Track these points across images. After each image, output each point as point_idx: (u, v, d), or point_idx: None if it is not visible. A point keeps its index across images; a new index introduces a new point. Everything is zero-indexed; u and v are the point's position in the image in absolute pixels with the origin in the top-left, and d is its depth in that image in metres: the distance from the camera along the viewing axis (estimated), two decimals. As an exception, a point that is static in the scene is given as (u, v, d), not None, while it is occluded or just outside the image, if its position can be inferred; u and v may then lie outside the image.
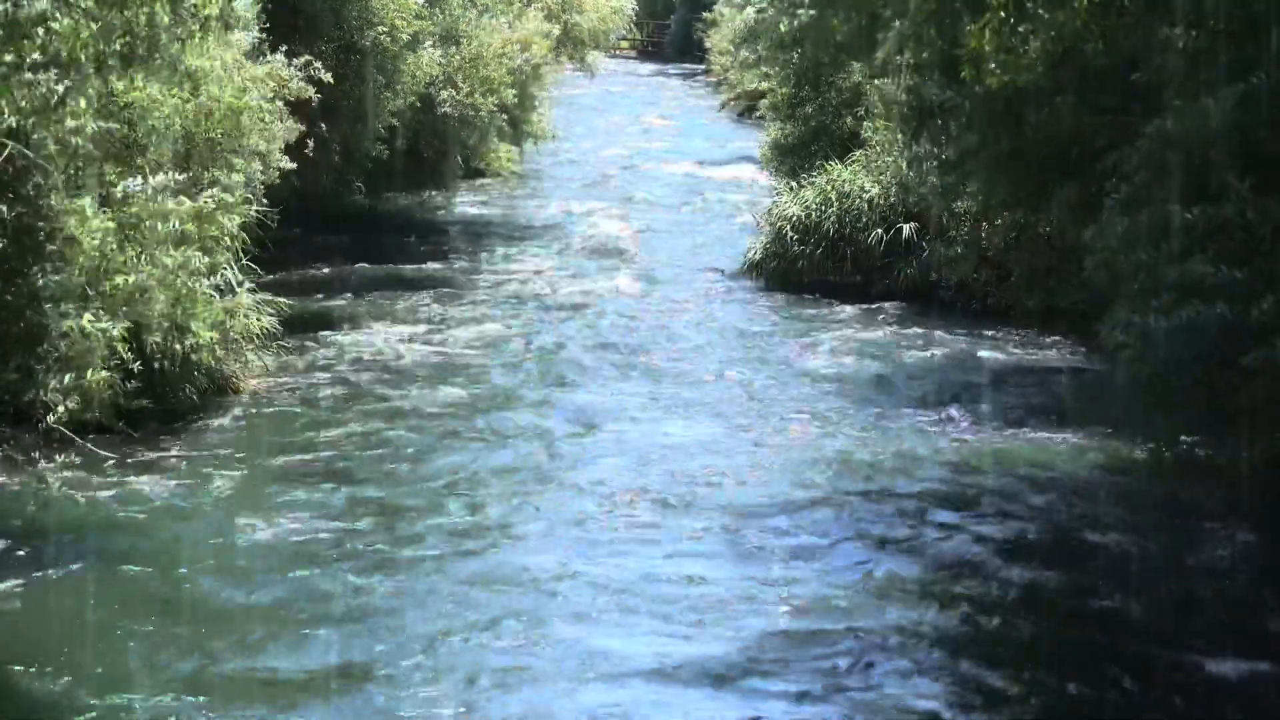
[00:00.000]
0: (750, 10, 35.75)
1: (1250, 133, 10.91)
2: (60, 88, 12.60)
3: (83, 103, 12.63)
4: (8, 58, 11.42)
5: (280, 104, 19.04)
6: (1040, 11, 13.15)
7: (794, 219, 25.37)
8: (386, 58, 24.55)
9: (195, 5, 12.25)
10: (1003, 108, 14.99)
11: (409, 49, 25.17)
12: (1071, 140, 14.52)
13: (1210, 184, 11.16)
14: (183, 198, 15.88)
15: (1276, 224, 10.79)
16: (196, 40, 13.01)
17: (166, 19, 11.81)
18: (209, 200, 16.26)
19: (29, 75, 11.51)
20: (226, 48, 17.63)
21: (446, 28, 28.26)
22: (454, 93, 28.05)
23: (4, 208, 14.22)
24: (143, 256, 15.38)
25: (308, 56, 20.02)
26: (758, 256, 26.21)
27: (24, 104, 12.02)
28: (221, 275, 17.22)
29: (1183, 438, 12.42)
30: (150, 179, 15.50)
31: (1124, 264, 11.52)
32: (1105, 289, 12.39)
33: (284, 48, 19.82)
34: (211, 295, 16.59)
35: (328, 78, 20.27)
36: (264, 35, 19.85)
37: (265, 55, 19.45)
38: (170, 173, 15.78)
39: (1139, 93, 12.94)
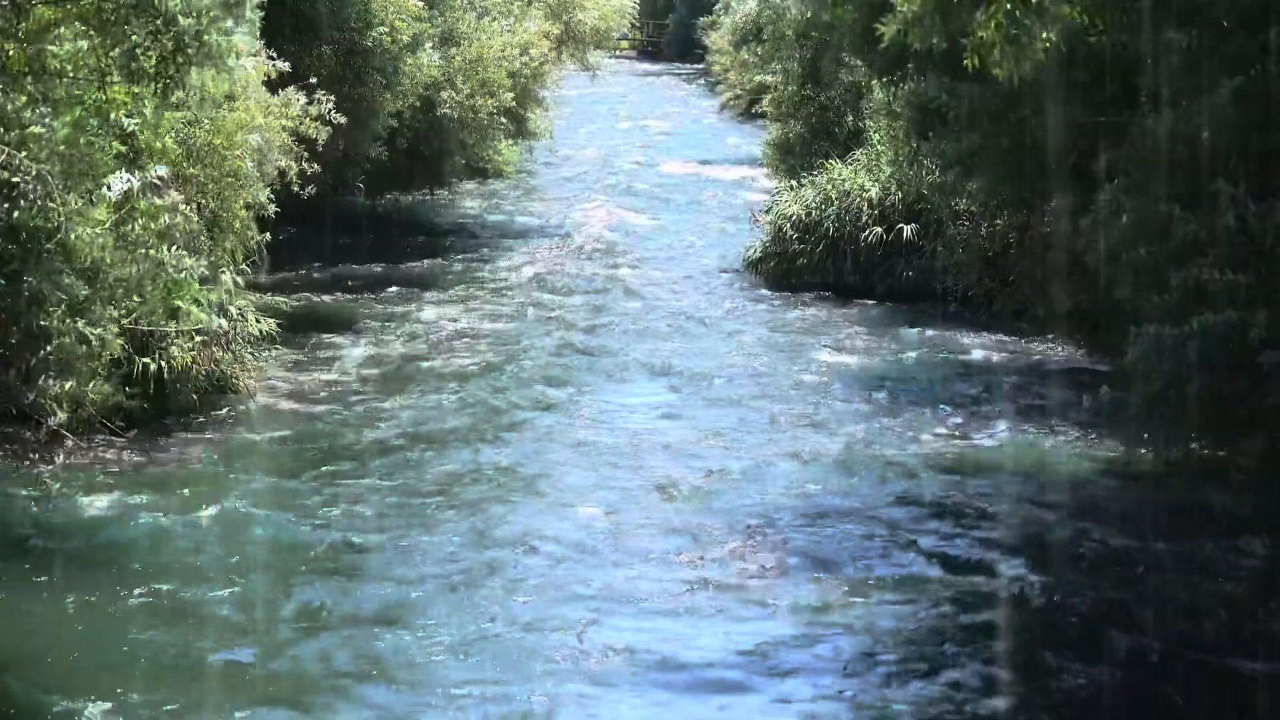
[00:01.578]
0: (752, 2, 35.75)
1: (1248, 131, 10.90)
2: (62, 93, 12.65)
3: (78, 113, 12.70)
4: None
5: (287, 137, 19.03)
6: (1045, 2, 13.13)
7: (794, 218, 25.38)
8: (387, 59, 24.53)
9: (198, 34, 12.19)
10: (1004, 105, 14.96)
11: (409, 50, 25.16)
12: (1071, 140, 14.50)
13: (1207, 184, 11.15)
14: (173, 194, 15.92)
15: (1278, 228, 10.79)
16: (198, 70, 12.99)
17: (170, 44, 11.78)
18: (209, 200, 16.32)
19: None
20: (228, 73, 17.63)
21: (447, 29, 28.26)
22: (454, 94, 28.05)
23: (3, 210, 14.22)
24: (136, 253, 15.42)
25: (320, 94, 19.87)
26: (758, 255, 26.22)
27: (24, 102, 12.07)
28: (221, 274, 17.23)
29: (1191, 441, 12.41)
30: (145, 175, 15.51)
31: (1123, 261, 11.51)
32: (1105, 286, 12.39)
33: (303, 85, 19.75)
34: (198, 281, 16.64)
35: (341, 120, 20.17)
36: (263, 40, 19.79)
37: (267, 58, 19.42)
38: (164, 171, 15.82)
39: (1140, 93, 12.93)
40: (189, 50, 11.44)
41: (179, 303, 16.00)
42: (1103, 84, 14.00)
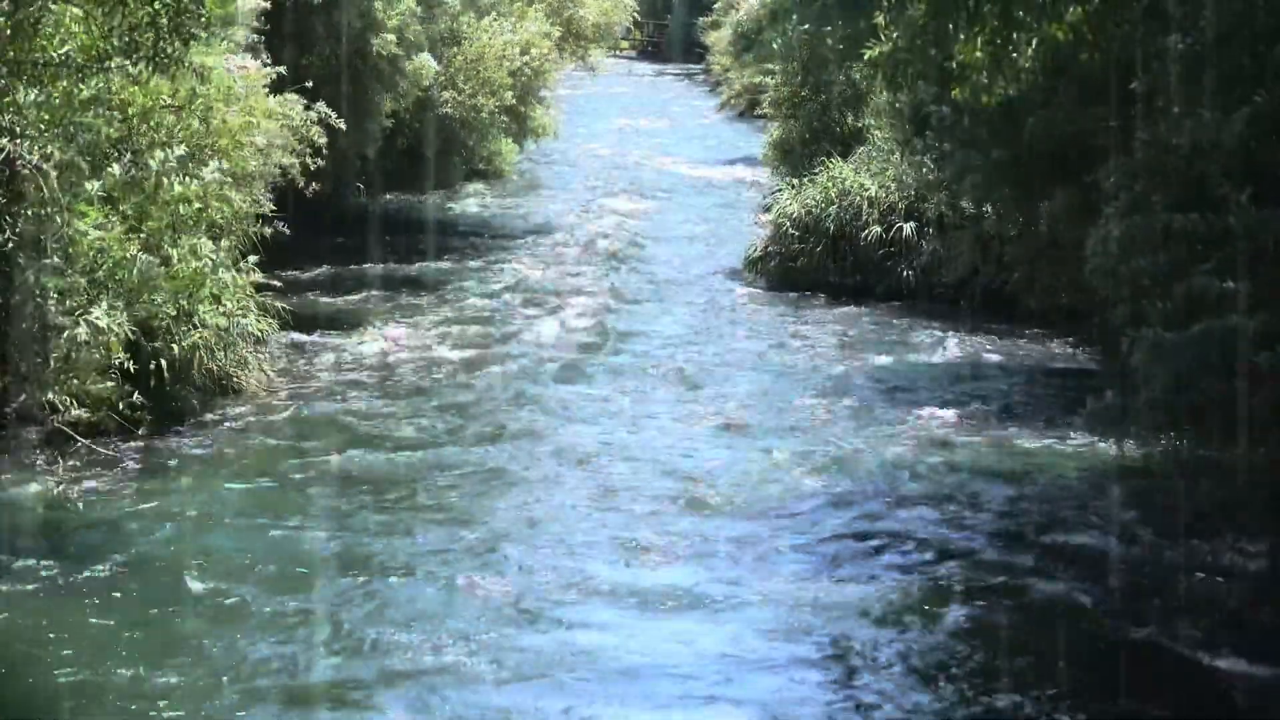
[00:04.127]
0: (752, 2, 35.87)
1: (1253, 144, 10.94)
2: (63, 84, 12.64)
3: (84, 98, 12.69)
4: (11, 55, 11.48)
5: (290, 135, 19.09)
6: (1030, 20, 13.17)
7: (795, 217, 25.43)
8: (388, 60, 24.58)
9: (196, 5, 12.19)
10: (998, 116, 14.99)
11: (410, 51, 25.21)
12: (1067, 148, 14.52)
13: (1210, 193, 11.18)
14: (189, 178, 15.96)
15: (1278, 235, 10.84)
16: (202, 41, 13.02)
17: (165, 19, 11.80)
18: (216, 175, 16.38)
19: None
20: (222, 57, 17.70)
21: (447, 30, 28.31)
22: (455, 94, 28.11)
23: (3, 204, 14.26)
24: (148, 247, 15.49)
25: (321, 104, 19.91)
26: (758, 255, 26.27)
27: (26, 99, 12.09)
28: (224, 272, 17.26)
29: (1190, 441, 12.45)
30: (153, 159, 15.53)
31: (1123, 271, 11.56)
32: (1105, 293, 12.43)
33: (300, 88, 19.82)
34: (217, 277, 16.69)
35: (340, 125, 20.22)
36: (260, 37, 19.84)
37: (264, 57, 19.47)
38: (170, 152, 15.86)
39: (1135, 101, 12.95)
40: (189, 24, 11.44)
41: (198, 300, 16.09)
42: (1095, 95, 14.02)
